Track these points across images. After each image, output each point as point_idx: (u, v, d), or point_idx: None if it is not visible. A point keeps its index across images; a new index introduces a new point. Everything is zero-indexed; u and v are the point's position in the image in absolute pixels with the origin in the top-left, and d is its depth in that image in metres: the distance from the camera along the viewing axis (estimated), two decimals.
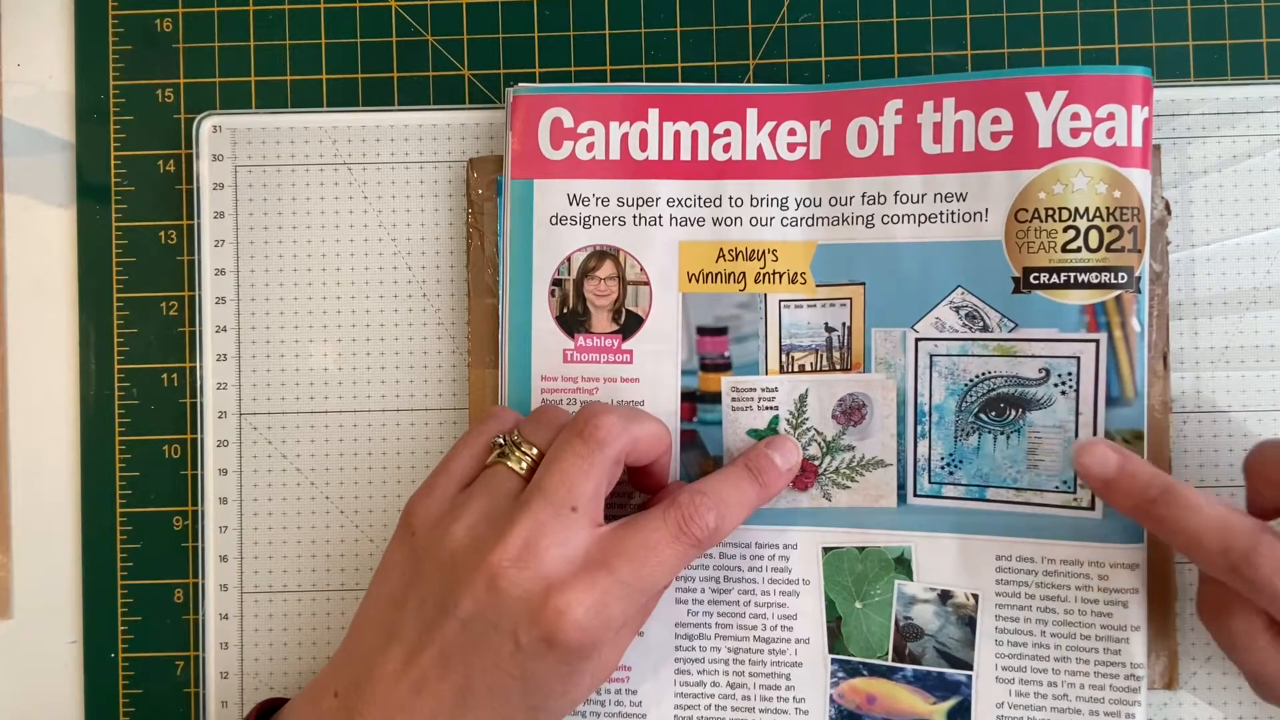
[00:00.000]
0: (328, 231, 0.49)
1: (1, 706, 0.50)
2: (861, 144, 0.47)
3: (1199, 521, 0.39)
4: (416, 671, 0.39)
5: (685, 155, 0.47)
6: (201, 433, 0.49)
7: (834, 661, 0.46)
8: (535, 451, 0.42)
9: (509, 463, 0.42)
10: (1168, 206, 0.47)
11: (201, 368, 0.49)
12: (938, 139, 0.46)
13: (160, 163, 0.50)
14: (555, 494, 0.40)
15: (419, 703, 0.39)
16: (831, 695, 0.46)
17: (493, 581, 0.38)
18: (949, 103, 0.46)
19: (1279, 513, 0.42)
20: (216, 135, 0.49)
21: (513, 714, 0.39)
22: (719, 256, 0.47)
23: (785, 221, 0.47)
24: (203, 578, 0.49)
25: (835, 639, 0.46)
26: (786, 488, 0.46)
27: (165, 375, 0.50)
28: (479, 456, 0.43)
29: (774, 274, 0.47)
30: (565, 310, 0.47)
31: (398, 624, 0.40)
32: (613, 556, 0.39)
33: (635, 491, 0.47)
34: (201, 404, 0.49)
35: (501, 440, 0.42)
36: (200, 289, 0.49)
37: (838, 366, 0.47)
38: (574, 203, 0.47)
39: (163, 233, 0.50)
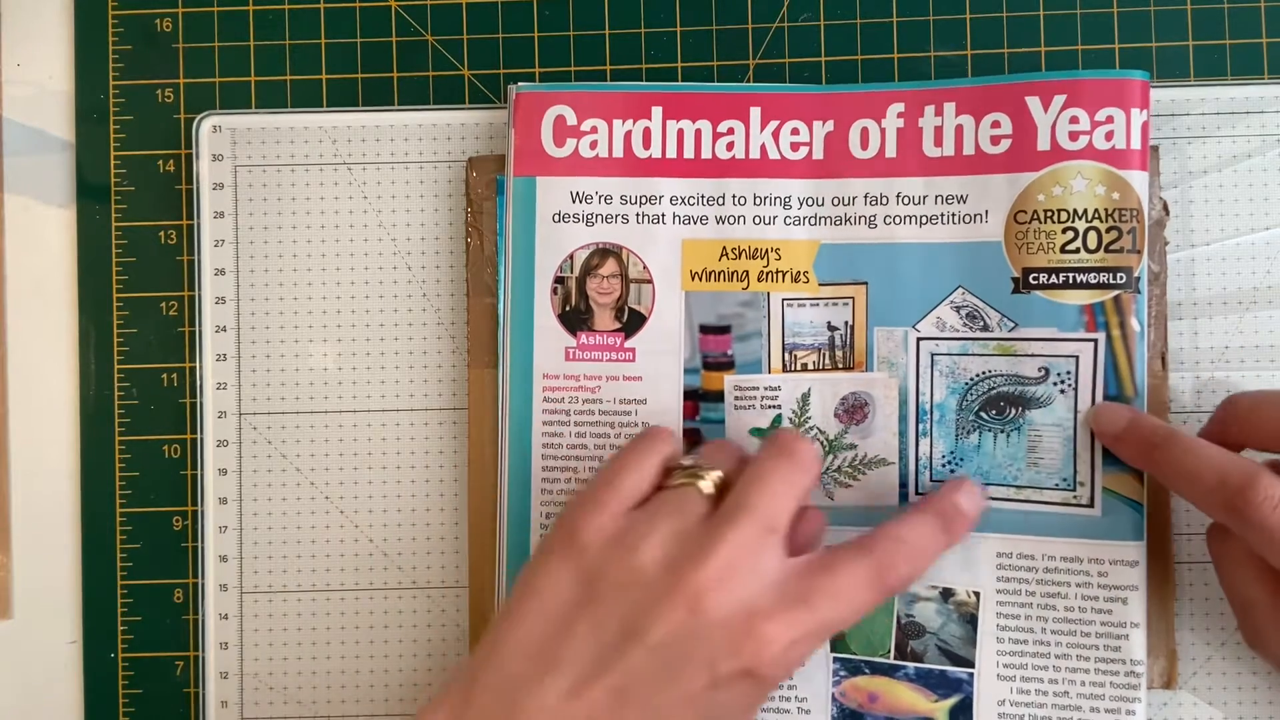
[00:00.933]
0: (328, 231, 0.50)
1: (1, 706, 0.50)
2: (864, 145, 0.47)
3: (1197, 461, 0.41)
4: (583, 707, 0.36)
5: (689, 153, 0.48)
6: (201, 433, 0.50)
7: (836, 660, 0.47)
8: (719, 475, 0.41)
9: (699, 483, 0.41)
10: (1165, 207, 0.48)
11: (201, 368, 0.50)
12: (938, 142, 0.47)
13: (160, 163, 0.51)
14: (762, 513, 0.39)
15: None
16: (834, 694, 0.47)
17: (695, 603, 0.37)
18: (949, 107, 0.47)
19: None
20: (216, 135, 0.50)
21: None
22: (722, 255, 0.48)
23: (788, 220, 0.48)
24: (203, 578, 0.50)
25: (838, 638, 0.47)
26: None
27: (165, 375, 0.51)
28: (651, 476, 0.42)
29: (777, 273, 0.47)
30: (568, 308, 0.48)
31: (560, 650, 0.37)
32: (814, 594, 0.38)
33: None
34: (201, 404, 0.50)
35: (689, 463, 0.42)
36: (200, 289, 0.50)
37: (840, 365, 0.47)
38: (577, 200, 0.48)
39: (163, 233, 0.51)
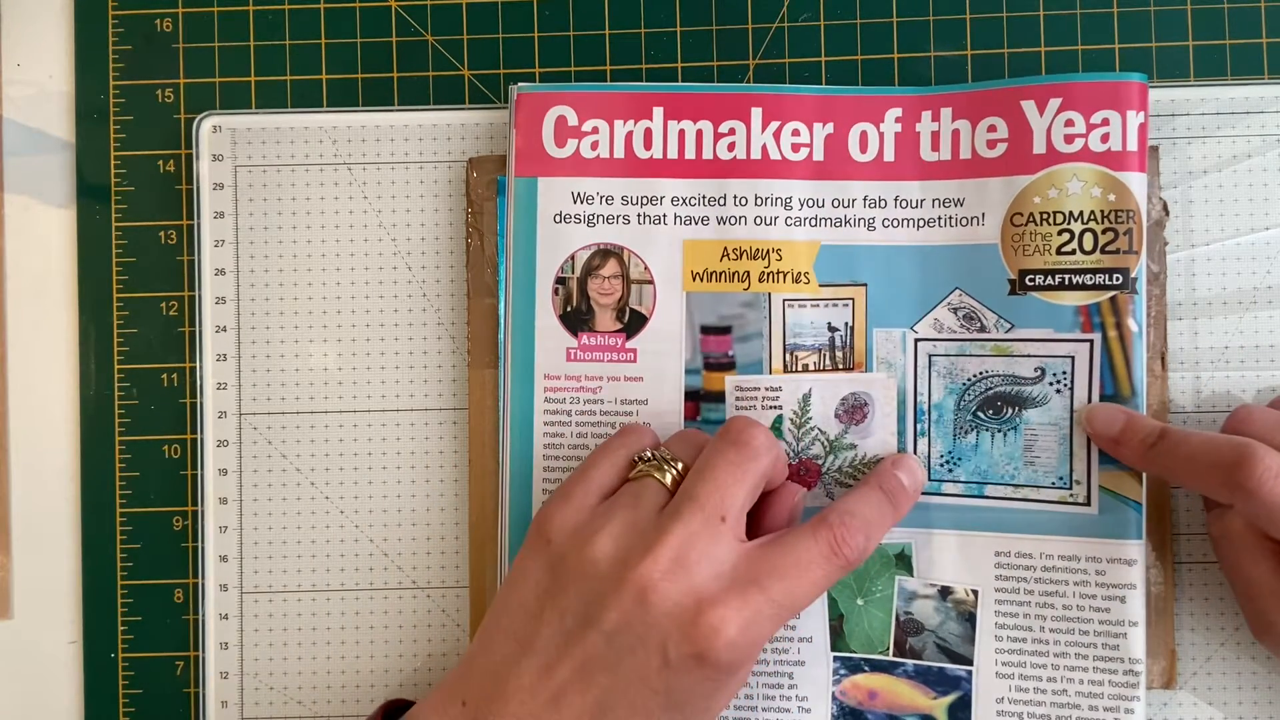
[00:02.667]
0: (328, 231, 0.52)
1: (1, 706, 0.51)
2: (863, 149, 0.49)
3: (1192, 447, 0.44)
4: (554, 684, 0.40)
5: (690, 154, 0.49)
6: (201, 433, 0.51)
7: (836, 659, 0.48)
8: (681, 466, 0.43)
9: (656, 475, 0.43)
10: (1165, 207, 0.49)
11: (201, 368, 0.51)
12: (935, 147, 0.49)
13: (160, 163, 0.52)
14: (707, 502, 0.41)
15: (556, 716, 0.40)
16: (834, 693, 0.48)
17: (642, 594, 0.39)
18: (946, 112, 0.49)
19: None
20: (216, 135, 0.52)
21: None
22: (723, 255, 0.49)
23: (789, 221, 0.49)
24: (203, 578, 0.51)
25: (838, 636, 0.48)
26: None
27: (165, 375, 0.52)
28: (619, 469, 0.44)
29: (778, 273, 0.49)
30: (569, 309, 0.49)
31: (533, 636, 0.41)
32: (765, 574, 0.40)
33: None
34: (201, 404, 0.51)
35: (648, 455, 0.44)
36: (200, 289, 0.51)
37: (840, 366, 0.49)
38: (578, 201, 0.49)
39: (163, 233, 0.52)
